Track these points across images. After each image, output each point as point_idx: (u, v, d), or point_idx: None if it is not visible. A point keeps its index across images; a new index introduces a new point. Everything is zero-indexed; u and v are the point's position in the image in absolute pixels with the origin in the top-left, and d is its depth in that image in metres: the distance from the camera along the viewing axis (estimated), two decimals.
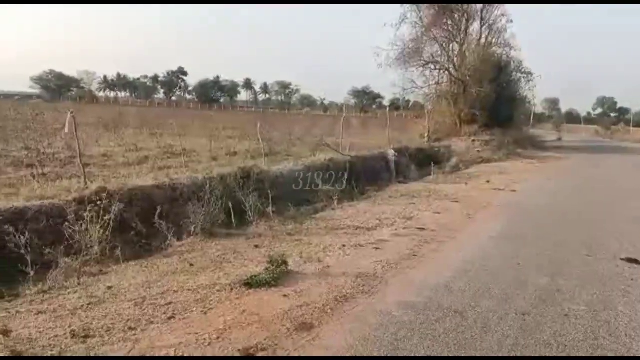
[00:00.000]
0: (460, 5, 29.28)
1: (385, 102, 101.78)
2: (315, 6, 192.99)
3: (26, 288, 5.53)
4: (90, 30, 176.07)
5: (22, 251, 5.69)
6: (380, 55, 29.06)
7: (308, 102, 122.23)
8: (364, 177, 14.71)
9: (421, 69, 30.07)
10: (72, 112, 9.24)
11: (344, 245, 7.38)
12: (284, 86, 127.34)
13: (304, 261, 6.52)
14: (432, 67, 30.39)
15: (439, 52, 30.31)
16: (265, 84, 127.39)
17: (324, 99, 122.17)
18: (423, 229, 8.66)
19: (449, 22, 29.98)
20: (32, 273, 5.62)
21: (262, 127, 16.88)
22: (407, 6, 29.19)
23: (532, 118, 49.99)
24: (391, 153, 17.79)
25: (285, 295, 5.23)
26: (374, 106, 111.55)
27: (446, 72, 30.44)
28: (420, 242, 7.76)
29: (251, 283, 5.46)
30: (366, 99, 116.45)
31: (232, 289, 5.36)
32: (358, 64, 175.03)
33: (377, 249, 7.33)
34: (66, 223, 6.68)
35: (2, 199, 7.86)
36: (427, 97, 31.70)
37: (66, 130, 10.78)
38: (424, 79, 30.54)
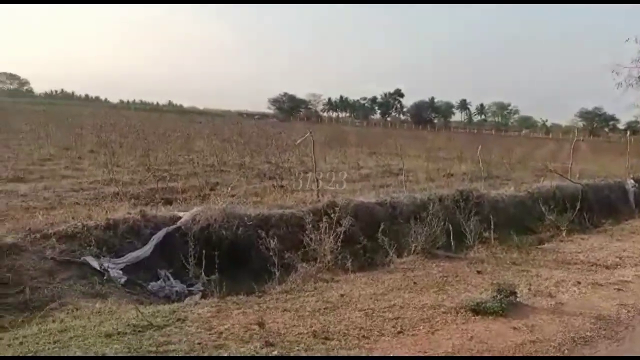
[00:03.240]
0: None
1: (621, 125, 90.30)
2: (536, 22, 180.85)
3: (271, 287, 6.27)
4: (317, 57, 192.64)
5: (271, 253, 6.48)
6: (620, 73, 25.85)
7: (527, 123, 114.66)
8: (596, 208, 13.23)
9: None
10: (310, 132, 10.21)
11: (578, 282, 6.73)
12: (502, 107, 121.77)
13: (533, 294, 6.14)
14: None
15: None
16: (481, 104, 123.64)
17: (546, 121, 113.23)
18: None
19: None
20: (277, 274, 6.36)
21: (479, 149, 16.43)
22: None
23: None
24: (630, 183, 15.68)
25: (515, 328, 4.99)
26: (607, 129, 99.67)
27: None
28: None
29: (477, 310, 5.34)
30: (597, 121, 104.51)
31: (457, 313, 5.31)
32: (588, 84, 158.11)
33: (619, 290, 6.53)
34: (305, 232, 7.40)
35: (251, 206, 9.02)
36: None
37: (298, 142, 12.03)
38: None
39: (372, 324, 4.93)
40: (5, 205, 8.61)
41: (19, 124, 22.75)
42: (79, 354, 3.99)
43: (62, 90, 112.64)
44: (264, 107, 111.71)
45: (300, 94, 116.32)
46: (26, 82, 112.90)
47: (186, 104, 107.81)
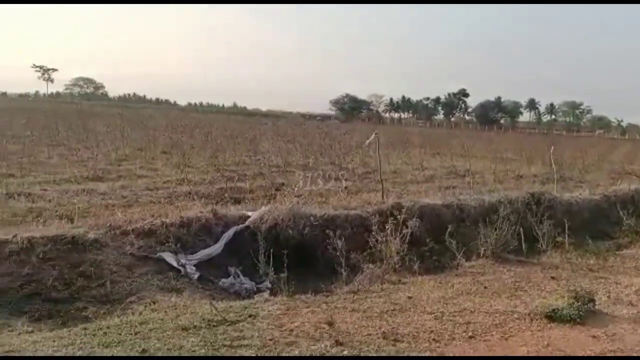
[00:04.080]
0: None
1: None
2: (606, 17, 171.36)
3: (338, 287, 6.32)
4: (378, 57, 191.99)
5: (338, 253, 6.53)
6: None
7: (601, 123, 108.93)
8: None
9: None
10: (376, 133, 10.19)
11: None
12: (574, 106, 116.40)
13: (613, 302, 5.84)
14: None
15: None
16: (551, 104, 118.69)
17: (621, 121, 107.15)
18: None
19: None
20: (344, 274, 6.40)
21: (549, 150, 15.83)
22: None
23: None
24: None
25: (594, 337, 4.77)
26: None
27: None
28: None
29: (553, 317, 5.14)
30: None
31: (532, 320, 5.14)
32: None
33: None
34: (371, 232, 7.39)
35: (316, 207, 9.11)
36: None
37: (365, 144, 12.05)
38: None
39: (443, 327, 4.86)
40: (86, 203, 9.14)
41: (96, 125, 24.07)
42: (158, 345, 4.18)
43: (134, 93, 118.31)
44: (326, 109, 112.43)
45: (362, 95, 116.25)
46: (101, 86, 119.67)
47: (249, 106, 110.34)
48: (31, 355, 4.10)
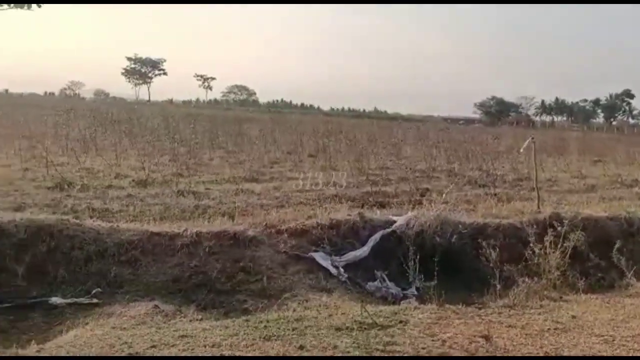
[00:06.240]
0: None
1: None
2: None
3: (490, 299, 6.04)
4: (529, 57, 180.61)
5: (491, 264, 6.24)
6: None
7: None
8: None
9: None
10: (532, 138, 9.60)
11: None
12: None
13: None
14: None
15: None
16: None
17: None
18: None
19: None
20: (499, 287, 6.10)
21: None
22: None
23: None
24: None
25: None
26: None
27: None
28: None
29: None
30: None
31: None
32: None
33: None
34: (526, 244, 6.96)
35: (464, 214, 8.81)
36: None
37: (521, 150, 11.38)
38: None
39: (614, 352, 4.40)
40: (244, 203, 9.83)
41: (250, 130, 25.82)
42: (314, 343, 4.34)
43: (282, 99, 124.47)
44: (468, 112, 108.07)
45: (509, 97, 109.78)
46: (253, 93, 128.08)
47: (389, 110, 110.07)
48: (202, 340, 4.50)
